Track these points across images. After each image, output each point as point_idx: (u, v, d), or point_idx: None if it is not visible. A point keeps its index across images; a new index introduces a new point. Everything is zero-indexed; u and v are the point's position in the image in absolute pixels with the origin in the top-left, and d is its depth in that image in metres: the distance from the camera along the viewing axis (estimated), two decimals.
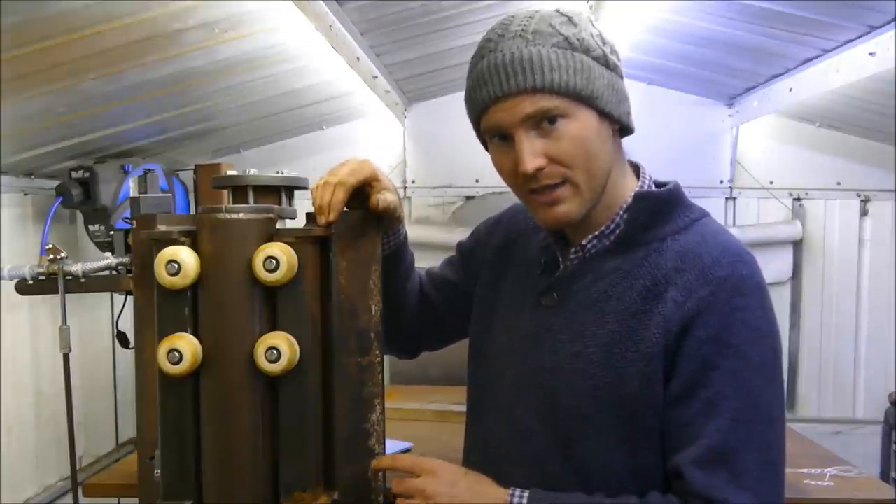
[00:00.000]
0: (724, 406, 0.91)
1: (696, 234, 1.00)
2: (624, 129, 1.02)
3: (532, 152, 0.94)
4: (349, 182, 0.97)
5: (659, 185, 1.06)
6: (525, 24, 0.94)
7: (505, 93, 0.93)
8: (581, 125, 0.94)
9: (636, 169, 1.07)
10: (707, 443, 0.91)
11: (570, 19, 0.96)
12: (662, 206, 1.01)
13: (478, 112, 0.98)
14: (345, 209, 0.98)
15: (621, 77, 0.99)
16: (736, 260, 0.95)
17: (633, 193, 1.02)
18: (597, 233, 1.02)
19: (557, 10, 0.96)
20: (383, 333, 1.18)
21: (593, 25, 0.98)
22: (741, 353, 0.92)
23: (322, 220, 0.95)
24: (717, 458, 0.90)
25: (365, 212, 0.99)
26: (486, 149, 1.03)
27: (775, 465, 0.93)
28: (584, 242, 1.02)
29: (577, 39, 0.94)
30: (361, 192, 1.00)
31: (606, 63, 0.96)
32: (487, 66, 0.95)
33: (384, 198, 1.01)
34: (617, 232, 1.01)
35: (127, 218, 2.16)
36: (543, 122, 0.93)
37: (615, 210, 1.02)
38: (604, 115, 0.96)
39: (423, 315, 1.24)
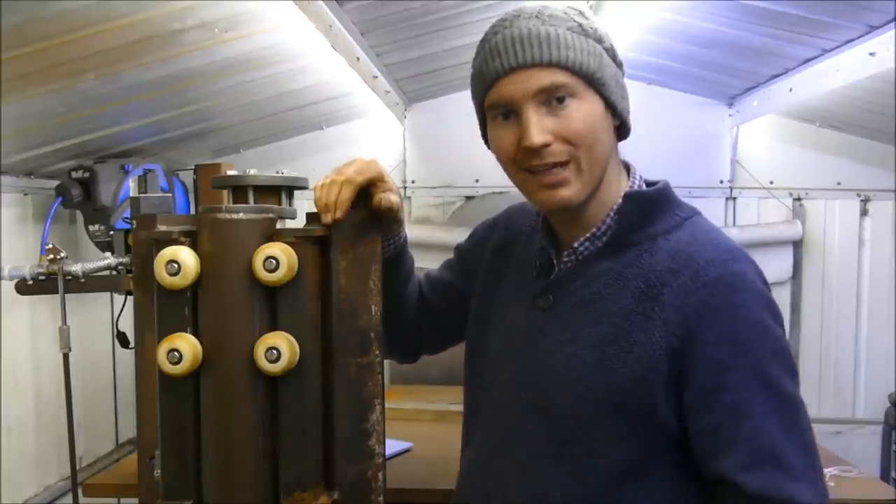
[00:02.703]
0: (751, 404, 0.91)
1: (687, 232, 0.99)
2: (621, 129, 1.02)
3: (540, 127, 0.93)
4: (356, 180, 0.97)
5: (650, 184, 1.06)
6: (539, 10, 0.96)
7: (520, 63, 0.93)
8: (589, 108, 0.95)
9: (626, 168, 1.07)
10: (748, 446, 0.90)
11: (581, 13, 0.98)
12: (651, 206, 1.01)
13: (487, 85, 0.97)
14: None
15: (623, 75, 1.01)
16: (728, 258, 0.95)
17: (623, 193, 1.02)
18: (588, 235, 1.02)
19: (568, 7, 0.98)
20: (383, 338, 1.18)
21: (598, 25, 1.00)
22: (752, 349, 0.92)
23: (328, 218, 0.94)
24: (762, 457, 0.90)
25: (366, 211, 0.99)
26: (485, 139, 1.03)
27: (813, 446, 0.93)
28: (576, 245, 1.03)
29: (591, 28, 0.96)
30: (365, 192, 1.00)
31: (613, 57, 0.99)
32: (502, 39, 0.95)
33: (387, 197, 1.01)
34: (608, 233, 1.01)
35: (127, 218, 2.16)
36: (553, 99, 0.94)
37: (606, 211, 1.02)
38: (608, 105, 0.97)
39: (423, 319, 1.24)
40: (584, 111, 0.95)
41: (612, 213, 1.02)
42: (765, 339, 0.93)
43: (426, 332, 1.26)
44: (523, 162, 0.97)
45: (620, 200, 1.02)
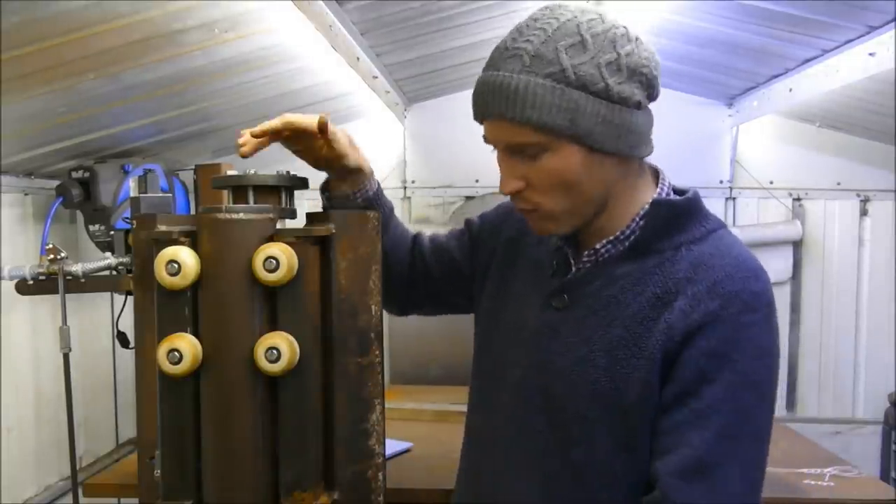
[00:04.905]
0: (714, 419, 0.90)
1: (711, 245, 0.98)
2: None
3: (511, 174, 0.96)
4: (288, 118, 1.03)
5: (677, 191, 1.05)
6: (532, 40, 0.91)
7: (486, 117, 0.95)
8: (562, 160, 0.94)
9: (655, 173, 1.06)
10: (690, 453, 0.90)
11: (582, 42, 0.91)
12: (679, 214, 1.00)
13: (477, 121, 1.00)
14: (346, 210, 0.99)
15: (633, 106, 0.94)
16: (749, 276, 0.94)
17: (651, 199, 1.01)
18: (611, 238, 1.01)
19: (578, 25, 0.92)
20: None
21: (615, 49, 0.92)
22: (740, 368, 0.91)
23: (242, 148, 1.00)
24: (698, 469, 0.90)
25: (366, 212, 0.99)
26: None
27: (756, 486, 0.92)
28: (597, 246, 1.02)
29: (576, 73, 0.90)
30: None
31: (608, 96, 0.92)
32: (480, 83, 0.96)
33: (307, 120, 1.05)
34: (632, 238, 1.01)
35: (127, 218, 2.16)
36: (526, 149, 0.94)
37: (632, 216, 1.01)
38: (595, 148, 0.94)
39: (417, 276, 1.23)
40: (554, 165, 0.94)
41: (638, 219, 1.00)
42: (756, 365, 0.93)
43: (419, 293, 1.25)
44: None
45: (648, 206, 1.00)
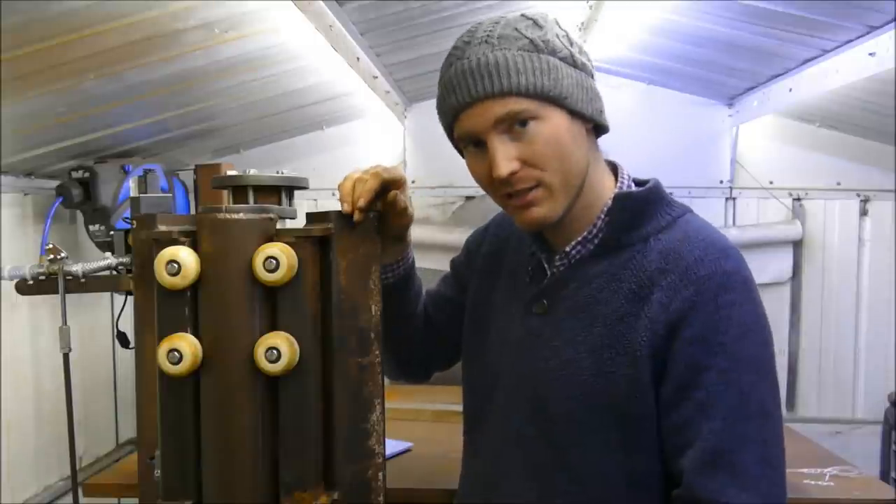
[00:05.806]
0: (717, 406, 0.90)
1: (679, 231, 0.99)
2: (599, 128, 1.02)
3: (505, 156, 0.94)
4: (382, 175, 0.99)
5: (639, 183, 1.05)
6: (490, 30, 0.95)
7: (473, 98, 0.94)
8: (552, 126, 0.94)
9: (614, 168, 1.06)
10: (703, 445, 0.90)
11: (535, 22, 0.96)
12: (644, 206, 1.01)
13: (449, 119, 0.99)
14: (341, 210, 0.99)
15: (591, 76, 1.00)
16: (719, 256, 0.94)
17: (612, 194, 1.02)
18: (580, 238, 1.02)
19: (523, 15, 0.97)
20: (396, 362, 1.19)
21: (559, 27, 0.98)
22: (729, 350, 0.91)
23: (357, 215, 0.95)
24: (714, 460, 0.89)
25: (368, 213, 0.99)
26: (462, 156, 1.04)
27: (774, 461, 0.91)
28: (567, 249, 1.02)
29: (543, 41, 0.94)
30: (385, 194, 1.01)
31: (574, 63, 0.96)
32: (454, 73, 0.95)
33: (403, 199, 1.03)
34: (600, 235, 1.01)
35: (127, 218, 2.16)
36: (514, 125, 0.94)
37: (596, 213, 1.01)
38: (575, 114, 0.96)
39: (429, 337, 1.24)
40: (546, 131, 0.94)
41: (602, 216, 1.01)
42: (746, 343, 0.92)
43: (433, 351, 1.26)
44: (499, 189, 0.98)
45: (610, 202, 1.01)
